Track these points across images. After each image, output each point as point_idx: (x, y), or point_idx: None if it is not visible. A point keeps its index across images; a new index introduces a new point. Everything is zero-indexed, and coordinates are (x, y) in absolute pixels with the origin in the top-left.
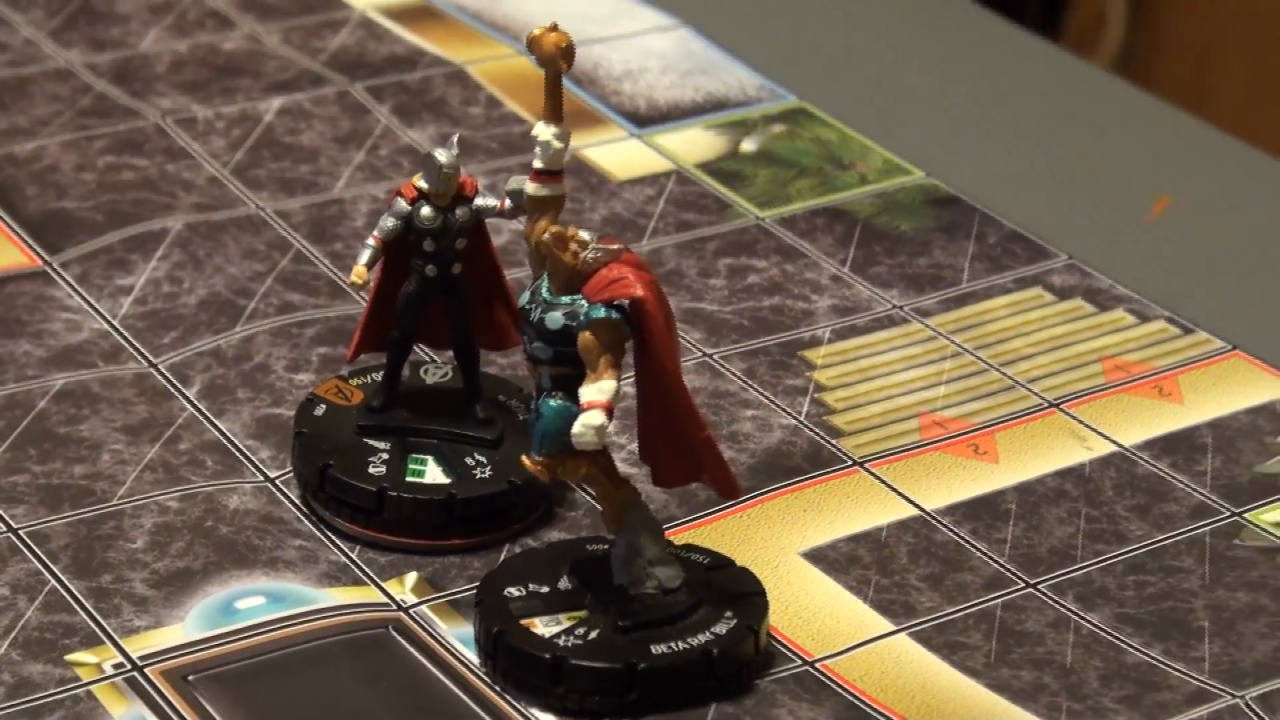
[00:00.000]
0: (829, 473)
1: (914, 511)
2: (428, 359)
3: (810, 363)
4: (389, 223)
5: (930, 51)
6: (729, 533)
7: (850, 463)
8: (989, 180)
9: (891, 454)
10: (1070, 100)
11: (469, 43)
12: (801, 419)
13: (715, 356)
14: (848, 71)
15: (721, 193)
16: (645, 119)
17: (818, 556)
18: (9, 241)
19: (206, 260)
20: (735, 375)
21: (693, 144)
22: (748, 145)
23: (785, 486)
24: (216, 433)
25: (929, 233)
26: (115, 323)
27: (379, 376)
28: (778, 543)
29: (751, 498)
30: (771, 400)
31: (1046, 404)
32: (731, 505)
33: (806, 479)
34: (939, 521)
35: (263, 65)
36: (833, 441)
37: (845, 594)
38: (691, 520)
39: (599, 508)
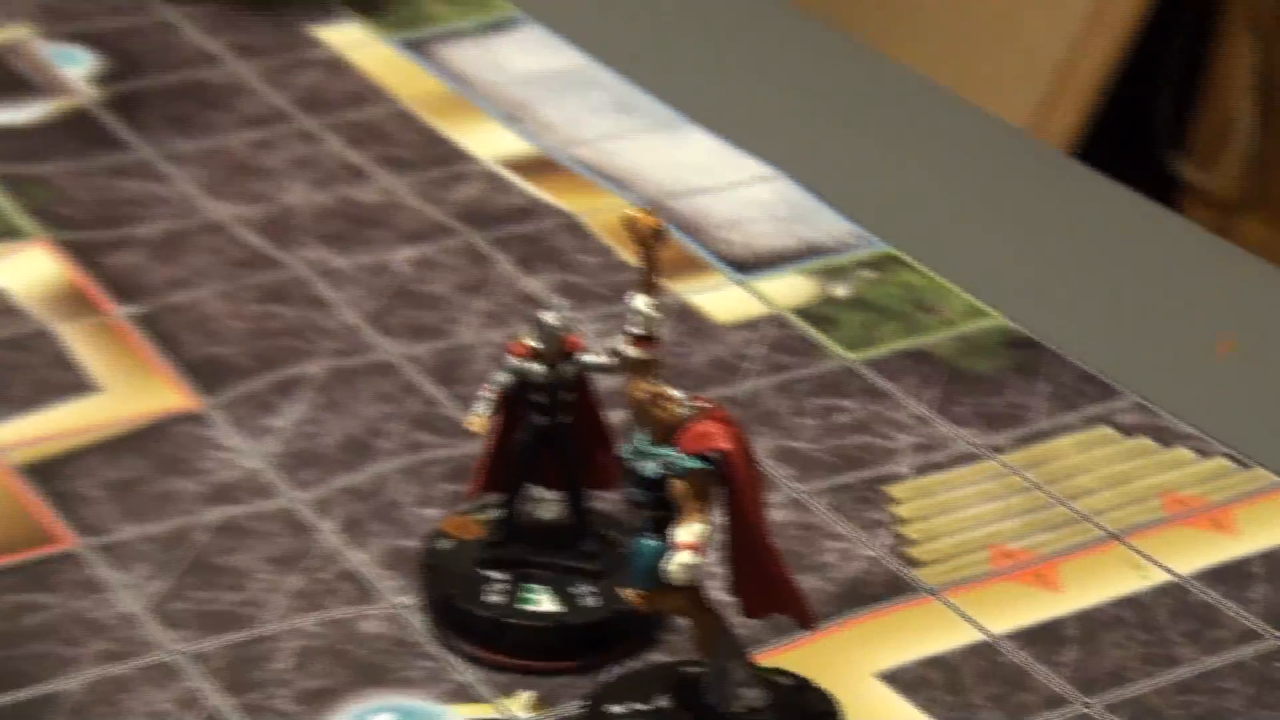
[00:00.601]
0: (905, 600)
1: (982, 637)
2: (543, 497)
3: (892, 497)
4: (502, 377)
5: (1012, 199)
6: (813, 656)
7: (925, 591)
8: (1064, 322)
9: (963, 583)
10: (1147, 246)
11: (584, 193)
12: (881, 550)
13: (804, 491)
14: (935, 220)
15: (814, 336)
16: (746, 265)
17: (891, 678)
18: (172, 384)
19: (344, 403)
20: (821, 509)
21: (789, 289)
22: (840, 290)
23: (864, 613)
24: (351, 563)
25: (1005, 373)
26: (262, 461)
27: (498, 513)
28: (856, 665)
29: (833, 623)
30: (854, 533)
31: (1108, 535)
32: (815, 631)
33: (884, 606)
34: (1004, 646)
35: (395, 217)
36: (909, 571)
37: (916, 712)
38: (779, 644)
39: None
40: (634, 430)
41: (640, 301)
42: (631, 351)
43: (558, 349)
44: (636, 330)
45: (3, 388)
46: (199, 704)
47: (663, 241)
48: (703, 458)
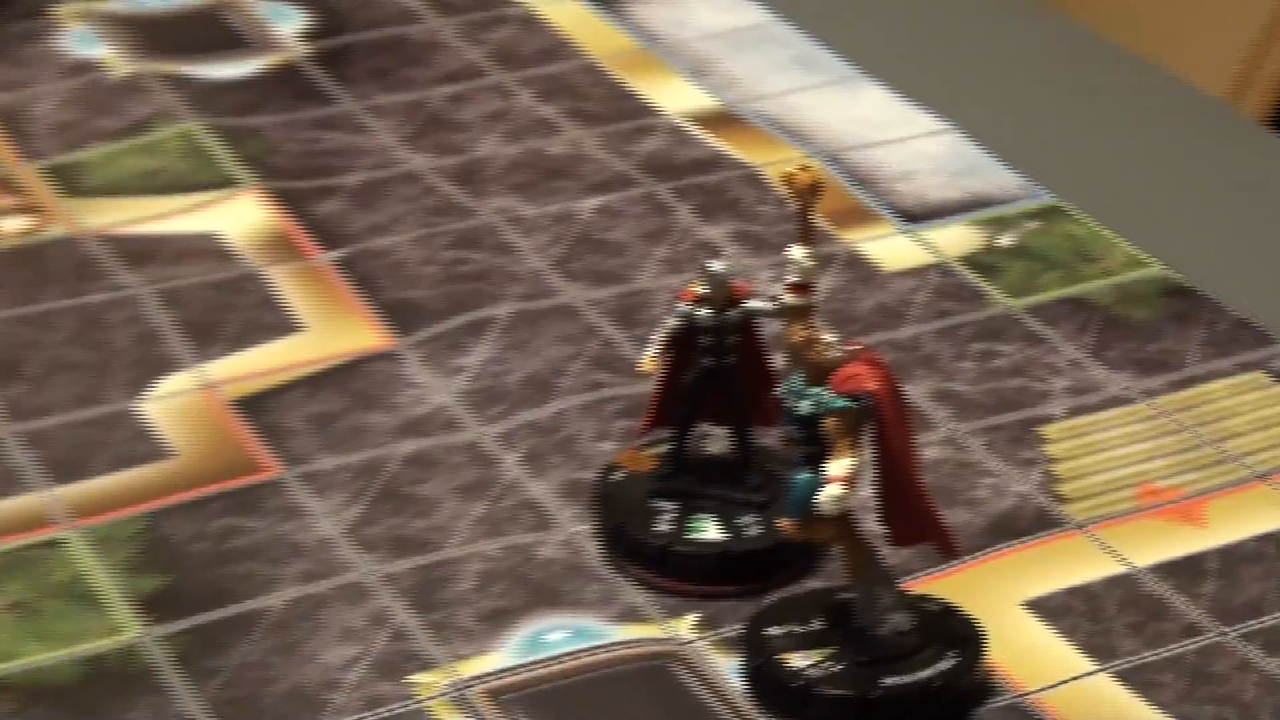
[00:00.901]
0: (1052, 534)
1: (1125, 569)
2: (710, 433)
3: (1044, 437)
4: (672, 322)
5: (1176, 152)
6: (961, 585)
7: (1072, 525)
8: (1223, 273)
9: (1109, 518)
10: None
11: (764, 147)
12: (1031, 487)
13: (960, 431)
14: (1100, 172)
15: (976, 283)
16: (915, 216)
17: (1036, 606)
18: (369, 324)
19: (528, 344)
20: (976, 448)
21: (956, 239)
22: (1005, 240)
23: (1013, 546)
24: (533, 493)
25: (1162, 320)
26: (452, 398)
27: (668, 447)
28: (1001, 593)
29: (982, 555)
30: (1006, 470)
31: (1254, 476)
32: (965, 561)
33: (1032, 539)
34: (1145, 578)
35: (582, 168)
36: (1058, 507)
37: (1057, 638)
38: (930, 573)
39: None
40: (791, 372)
41: (797, 252)
42: (789, 298)
43: (725, 295)
44: (794, 278)
45: (217, 327)
46: (388, 621)
47: (819, 196)
48: (852, 397)
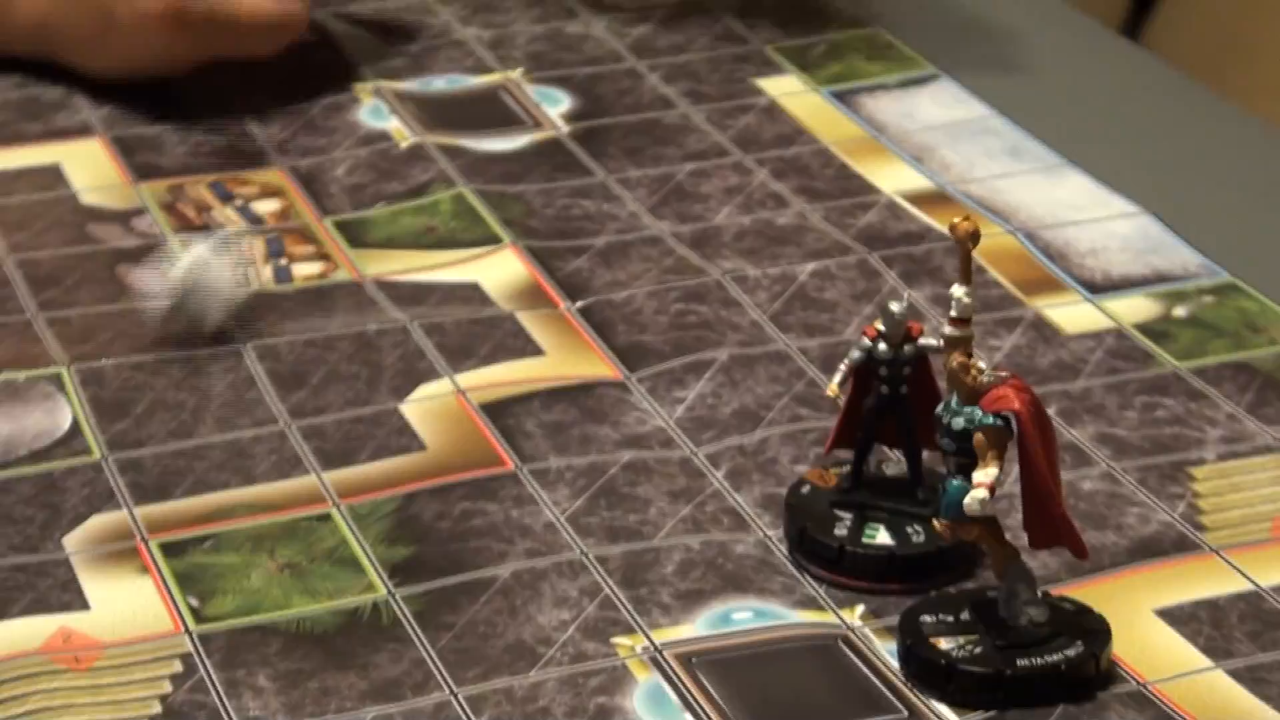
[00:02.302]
0: (1188, 555)
1: (1251, 588)
2: (887, 457)
3: (1193, 476)
4: (855, 354)
5: None
6: (1099, 592)
7: (1208, 549)
8: None
9: (1243, 545)
10: None
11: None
12: (1175, 516)
13: (1116, 468)
14: (1276, 251)
15: (1148, 347)
16: (1099, 287)
17: (1164, 614)
18: (604, 361)
19: (741, 383)
20: (1129, 483)
21: (1134, 308)
22: (1179, 311)
23: (1150, 564)
24: (733, 501)
25: None
26: (670, 422)
27: (849, 466)
28: (1135, 602)
29: (1122, 570)
30: (1154, 502)
31: None
32: (1105, 574)
33: (1169, 559)
34: (1270, 595)
35: (804, 237)
36: (1197, 534)
37: (1180, 640)
38: (1073, 582)
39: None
40: (949, 393)
41: (958, 290)
42: (949, 330)
43: (902, 333)
44: (954, 313)
45: (472, 348)
46: (598, 594)
47: (977, 241)
48: (999, 416)
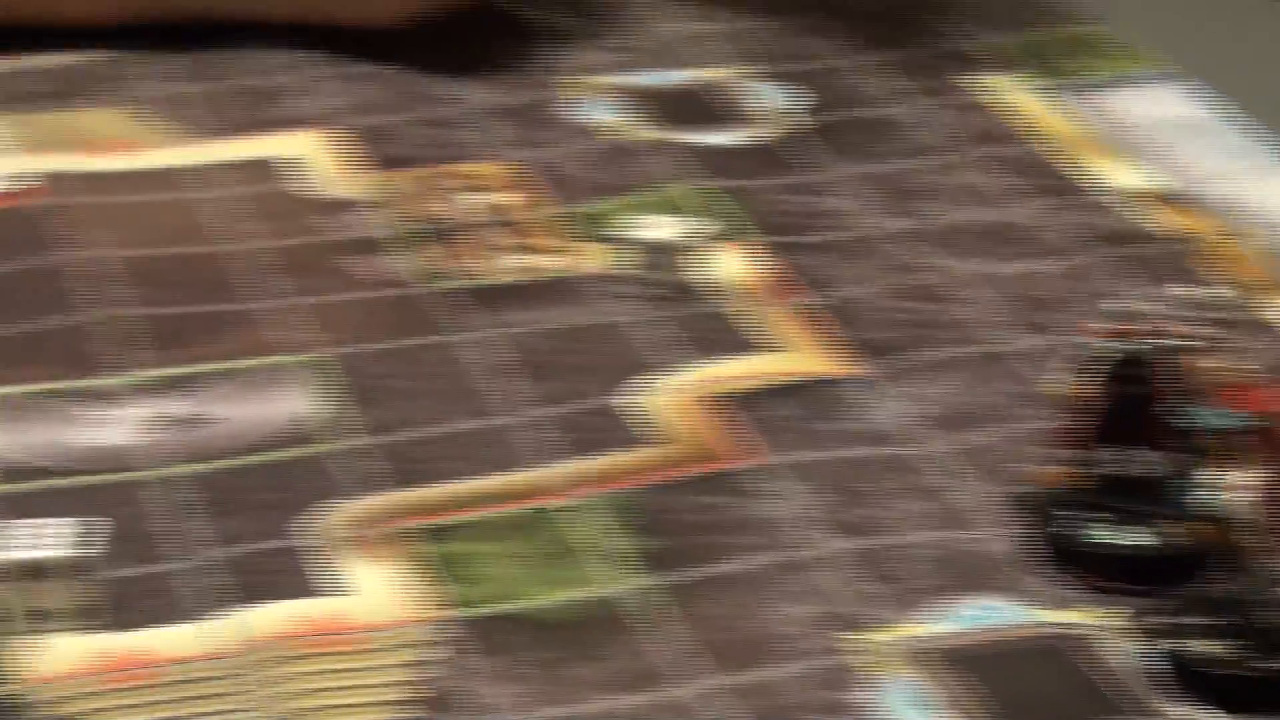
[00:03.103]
0: None
1: None
2: (1133, 457)
3: None
4: (1098, 354)
5: None
6: None
7: None
8: None
9: None
10: None
11: (1209, 221)
12: None
13: None
14: None
15: None
16: None
17: None
18: (839, 356)
19: (983, 382)
20: None
21: None
22: None
23: None
24: (978, 500)
25: None
26: (910, 420)
27: (1096, 466)
28: None
29: None
30: None
31: None
32: None
33: None
34: None
35: (1042, 235)
36: None
37: None
38: None
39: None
40: (1197, 394)
41: (1215, 291)
42: (1205, 331)
43: (1146, 332)
44: (1211, 314)
45: (712, 342)
46: (847, 588)
47: (1236, 245)
48: (1257, 417)
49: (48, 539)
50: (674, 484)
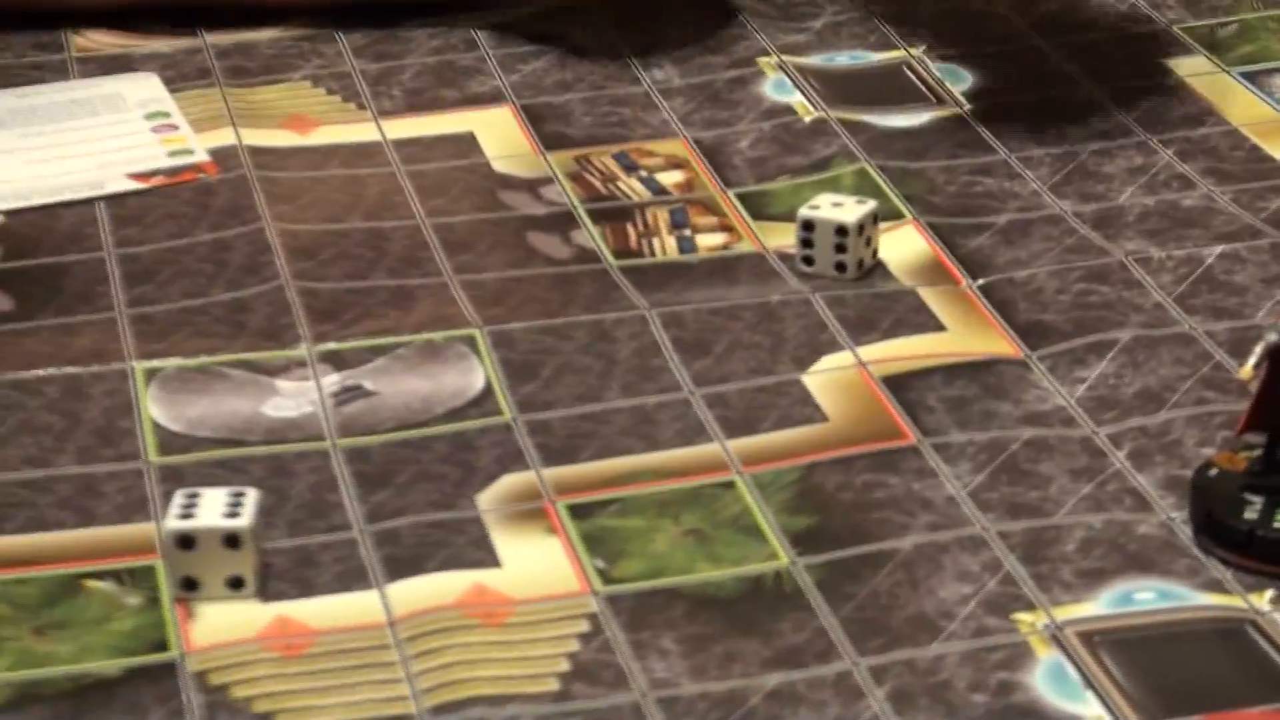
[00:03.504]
0: None
1: None
2: None
3: None
4: (1272, 336)
5: None
6: None
7: None
8: None
9: None
10: None
11: None
12: None
13: None
14: None
15: None
16: None
17: None
18: (1004, 338)
19: (1145, 364)
20: None
21: None
22: None
23: None
24: (1136, 482)
25: None
26: (1071, 401)
27: (1262, 450)
28: None
29: None
30: None
31: None
32: None
33: None
34: None
35: (1212, 219)
36: None
37: None
38: None
39: None
40: None
41: None
42: None
43: None
44: None
45: (874, 321)
46: (999, 569)
47: None
48: None
49: (205, 508)
50: (836, 462)
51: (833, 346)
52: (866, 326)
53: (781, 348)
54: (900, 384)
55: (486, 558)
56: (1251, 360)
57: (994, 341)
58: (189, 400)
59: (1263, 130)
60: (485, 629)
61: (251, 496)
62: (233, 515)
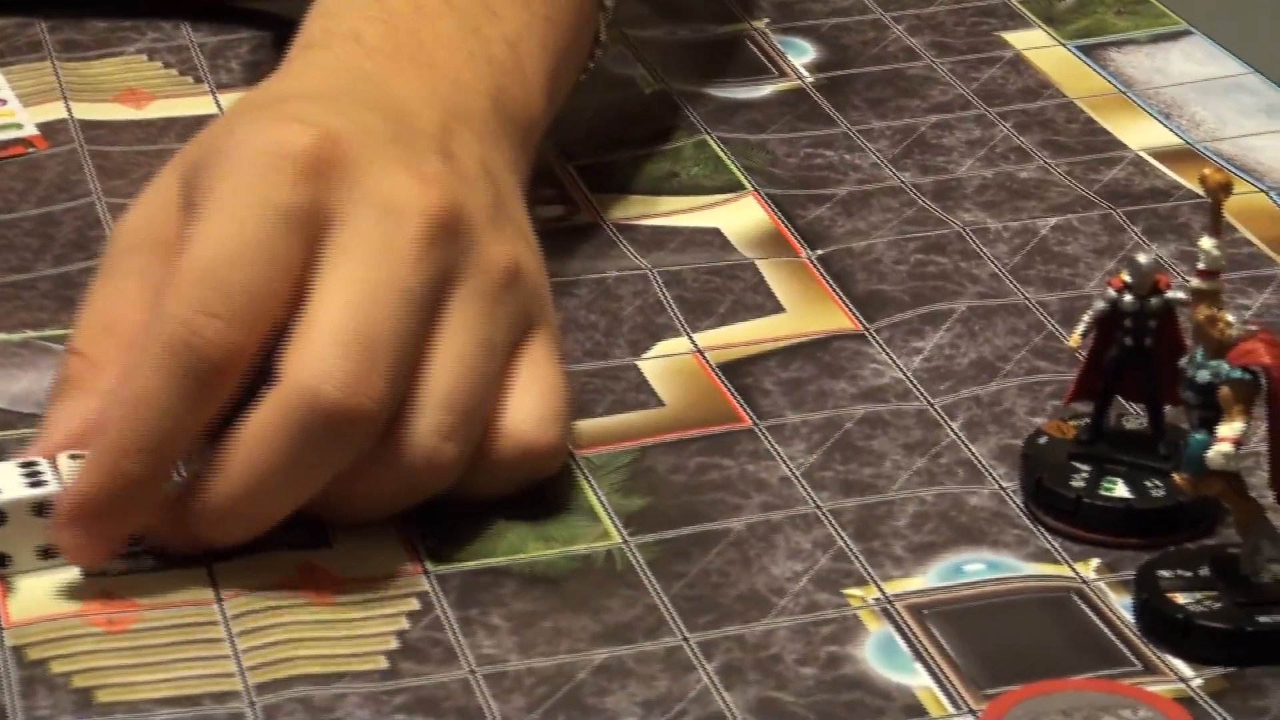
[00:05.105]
0: None
1: None
2: (1128, 410)
3: None
4: (1099, 305)
5: None
6: None
7: None
8: None
9: None
10: None
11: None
12: None
13: None
14: None
15: None
16: None
17: None
18: (841, 311)
19: (980, 334)
20: None
21: None
22: None
23: None
24: (968, 453)
25: None
26: (907, 374)
27: (1089, 418)
28: None
29: None
30: None
31: None
32: None
33: None
34: None
35: (1047, 191)
36: None
37: None
38: None
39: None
40: (1195, 346)
41: (1207, 242)
42: (1197, 282)
43: (1149, 285)
44: (1203, 265)
45: (712, 303)
46: (831, 546)
47: (1228, 193)
48: (1246, 370)
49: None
50: (670, 445)
51: (670, 331)
52: (704, 310)
53: (617, 330)
54: (737, 369)
55: (316, 538)
56: (1079, 329)
57: (832, 316)
58: (12, 375)
59: (1098, 104)
60: (314, 608)
61: (63, 463)
62: (36, 483)
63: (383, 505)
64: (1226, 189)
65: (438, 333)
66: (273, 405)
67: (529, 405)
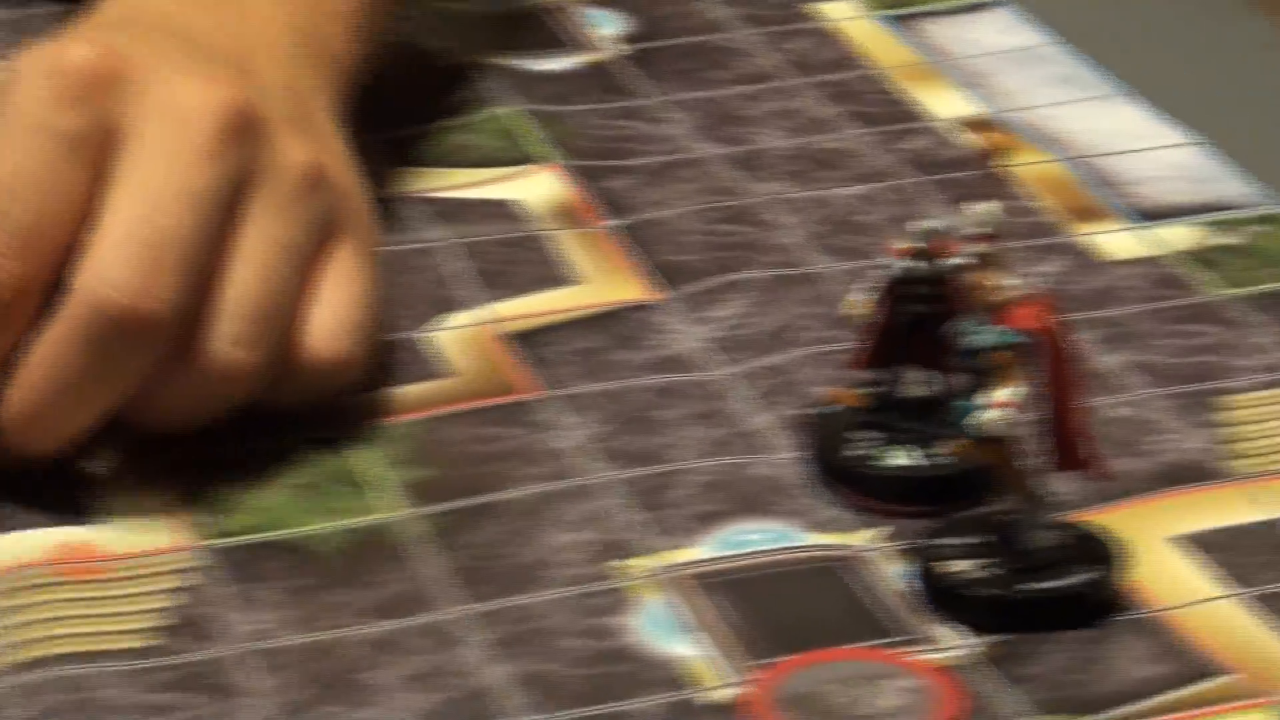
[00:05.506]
0: (1212, 484)
1: (1274, 516)
2: (912, 378)
3: (1225, 406)
4: (885, 270)
5: None
6: (1118, 519)
7: (1236, 478)
8: None
9: (1270, 475)
10: None
11: (1019, 150)
12: (1204, 444)
13: (1149, 395)
14: None
15: (1194, 274)
16: (1147, 215)
17: (1182, 541)
18: (638, 282)
19: (776, 303)
20: (1160, 410)
21: (1182, 237)
22: (1228, 240)
23: (1174, 490)
24: (757, 423)
25: None
26: (700, 344)
27: (876, 386)
28: (1153, 529)
29: (1144, 497)
30: (1184, 429)
31: None
32: (1126, 500)
33: (1192, 486)
34: None
35: (850, 161)
36: (1226, 463)
37: (1196, 569)
38: (1094, 508)
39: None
40: (969, 311)
41: (982, 206)
42: (973, 246)
43: (935, 251)
44: (978, 229)
45: (506, 276)
46: (613, 517)
47: (1004, 156)
48: (1019, 334)
49: None
50: (457, 415)
51: (463, 302)
52: (500, 281)
53: (411, 299)
54: (530, 340)
55: (80, 513)
56: (859, 295)
57: (629, 287)
58: None
59: (906, 74)
60: (77, 585)
61: None
62: None
63: (185, 413)
64: (1002, 151)
65: (235, 236)
66: (63, 316)
67: (326, 316)
